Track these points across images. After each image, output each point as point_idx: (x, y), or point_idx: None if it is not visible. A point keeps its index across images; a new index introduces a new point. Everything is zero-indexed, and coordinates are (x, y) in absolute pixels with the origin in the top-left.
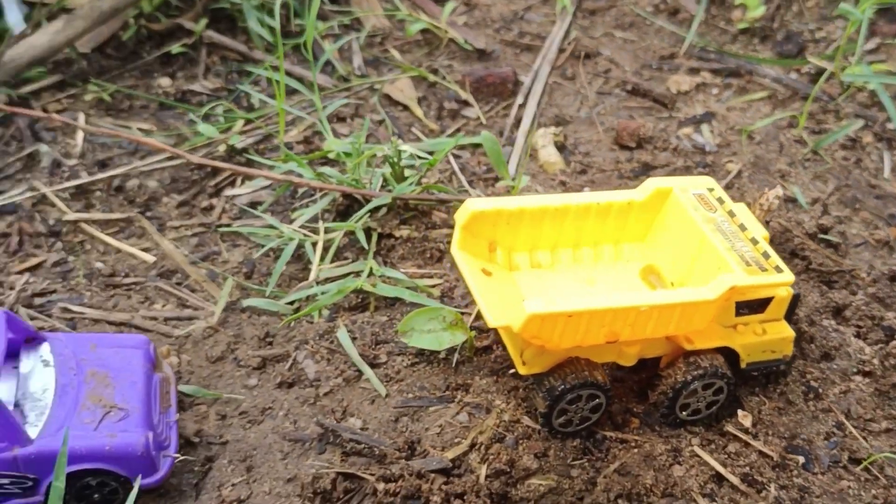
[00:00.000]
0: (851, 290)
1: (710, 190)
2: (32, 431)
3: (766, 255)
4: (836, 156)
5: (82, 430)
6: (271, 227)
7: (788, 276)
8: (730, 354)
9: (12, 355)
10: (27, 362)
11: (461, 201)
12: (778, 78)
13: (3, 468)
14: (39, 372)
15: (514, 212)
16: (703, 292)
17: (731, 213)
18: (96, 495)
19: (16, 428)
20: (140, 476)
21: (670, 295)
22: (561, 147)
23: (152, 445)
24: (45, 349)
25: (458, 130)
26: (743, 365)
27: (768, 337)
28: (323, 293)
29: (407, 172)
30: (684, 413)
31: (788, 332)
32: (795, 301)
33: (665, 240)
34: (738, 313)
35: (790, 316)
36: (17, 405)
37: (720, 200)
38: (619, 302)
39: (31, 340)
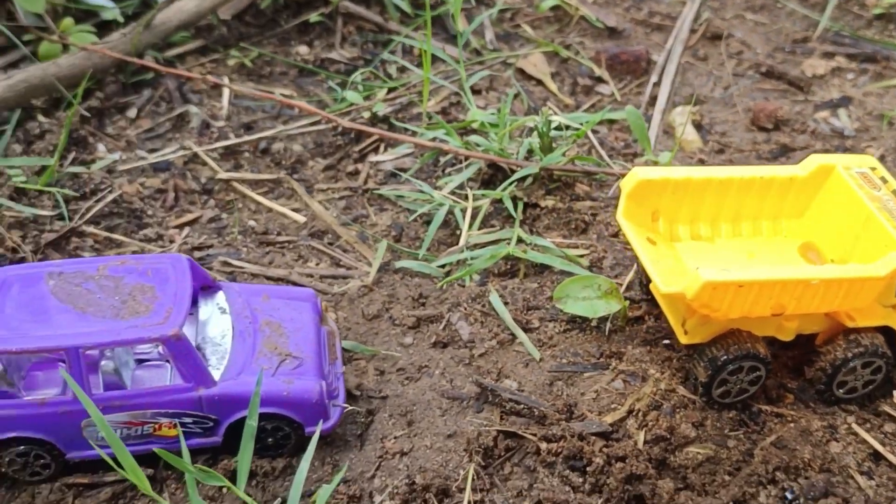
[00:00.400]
0: None
1: (873, 169)
2: (215, 374)
3: None
4: None
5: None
6: (420, 192)
7: None
8: (889, 335)
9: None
10: (205, 309)
11: (607, 173)
12: None
13: (187, 407)
14: (217, 318)
15: (680, 181)
16: (874, 268)
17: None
18: (270, 439)
19: (203, 370)
20: (317, 422)
21: (840, 270)
22: (698, 126)
23: (325, 394)
24: (220, 297)
25: (592, 106)
26: None
27: None
28: (473, 258)
29: (554, 146)
30: (841, 391)
31: None
32: None
33: (826, 217)
34: None
35: None
36: (198, 349)
37: (883, 180)
38: (791, 274)
39: (206, 289)
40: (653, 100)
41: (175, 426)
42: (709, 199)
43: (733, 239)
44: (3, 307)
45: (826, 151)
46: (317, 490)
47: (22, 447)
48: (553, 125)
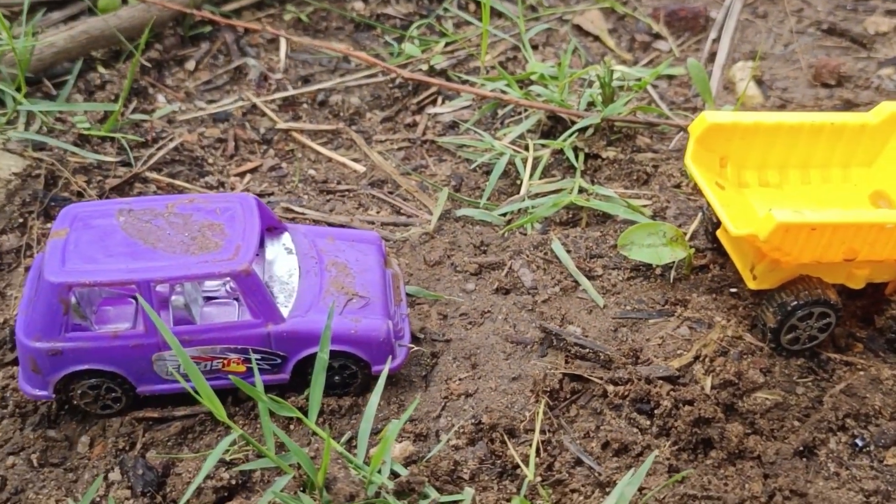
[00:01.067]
0: None
1: None
2: (283, 311)
3: None
4: None
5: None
6: (480, 142)
7: None
8: None
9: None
10: (271, 249)
11: (669, 124)
12: None
13: (257, 343)
14: (283, 258)
15: (750, 126)
16: None
17: None
18: (337, 377)
19: (272, 306)
20: (385, 360)
21: None
22: (759, 82)
23: (392, 333)
24: (286, 238)
25: (650, 62)
26: None
27: None
28: (534, 207)
29: (615, 98)
30: None
31: None
32: None
33: None
34: None
35: None
36: (266, 286)
37: None
38: (865, 217)
39: (273, 230)
40: (712, 56)
41: (243, 362)
42: (778, 145)
43: (802, 186)
44: (76, 242)
45: None
46: (384, 427)
47: (94, 380)
48: (616, 76)
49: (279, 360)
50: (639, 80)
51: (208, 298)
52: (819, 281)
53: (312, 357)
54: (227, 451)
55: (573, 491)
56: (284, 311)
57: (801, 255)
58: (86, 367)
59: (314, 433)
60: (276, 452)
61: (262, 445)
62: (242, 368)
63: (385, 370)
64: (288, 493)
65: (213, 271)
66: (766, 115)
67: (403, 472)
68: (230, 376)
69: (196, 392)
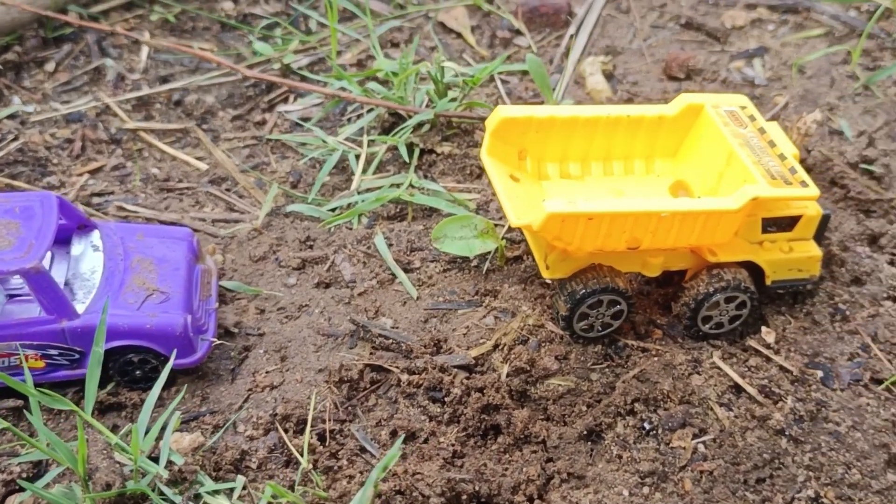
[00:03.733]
0: (889, 220)
1: (743, 108)
2: (80, 307)
3: (792, 171)
4: (889, 92)
5: (126, 309)
6: (318, 139)
7: (813, 190)
8: (756, 272)
9: (65, 240)
10: (78, 246)
11: None
12: (836, 15)
13: (52, 339)
14: (89, 256)
15: (545, 120)
16: (726, 202)
17: (762, 130)
18: (138, 372)
19: (64, 302)
20: (185, 354)
21: (692, 203)
22: (609, 76)
23: (190, 327)
24: (95, 235)
25: (508, 58)
26: (768, 282)
27: (795, 255)
28: (363, 201)
29: (451, 93)
30: (707, 326)
31: (816, 251)
32: (825, 221)
33: (695, 155)
34: (765, 230)
35: (820, 237)
36: (67, 284)
37: (752, 118)
38: (641, 206)
39: (84, 227)
40: (568, 51)
41: (41, 357)
42: (577, 138)
43: (604, 178)
44: None
45: None
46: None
47: None
48: (450, 73)
49: (77, 356)
50: (472, 76)
51: (12, 296)
52: (610, 269)
53: (114, 351)
54: (23, 445)
55: (347, 476)
56: (81, 308)
57: (583, 244)
58: None
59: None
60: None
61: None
62: (41, 364)
63: (169, 365)
64: (63, 485)
65: (2, 269)
66: (562, 108)
67: (181, 461)
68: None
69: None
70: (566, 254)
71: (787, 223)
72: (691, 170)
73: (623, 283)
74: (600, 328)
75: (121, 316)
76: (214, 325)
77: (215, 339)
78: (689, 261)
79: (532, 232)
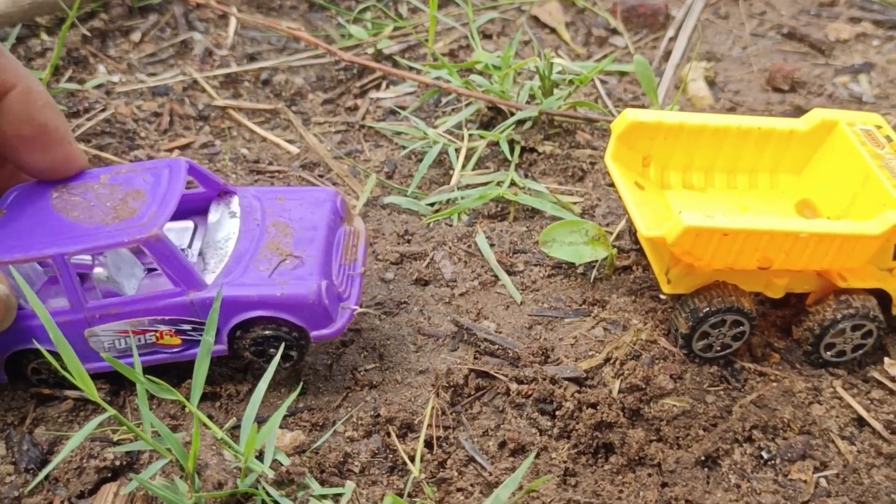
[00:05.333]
0: None
1: (879, 127)
2: (209, 277)
3: None
4: None
5: (257, 277)
6: (416, 129)
7: None
8: (882, 299)
9: (205, 209)
10: (215, 213)
11: (609, 121)
12: None
13: (182, 313)
14: (226, 223)
15: (674, 126)
16: (867, 226)
17: None
18: (272, 350)
19: (189, 272)
20: (323, 324)
21: (832, 225)
22: (711, 83)
23: (325, 294)
24: (234, 202)
25: (604, 57)
26: (895, 311)
27: None
28: (463, 198)
29: (556, 91)
30: (828, 353)
31: None
32: None
33: (825, 173)
34: (895, 257)
35: None
36: (201, 253)
37: (888, 138)
38: (779, 225)
39: (223, 194)
40: (667, 55)
41: (176, 333)
42: (703, 147)
43: (727, 191)
44: (8, 222)
45: None
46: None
47: (42, 358)
48: (557, 70)
49: None
50: (579, 74)
51: (151, 270)
52: (735, 288)
53: (246, 323)
54: (115, 431)
55: (459, 490)
56: (210, 278)
57: (713, 260)
58: (28, 346)
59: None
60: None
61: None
62: (177, 341)
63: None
64: (164, 478)
65: (122, 240)
66: (692, 115)
67: (287, 461)
68: (103, 355)
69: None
70: (691, 269)
71: None
72: (820, 188)
73: (748, 304)
74: (719, 349)
75: (249, 285)
76: (359, 291)
77: (358, 308)
78: (814, 283)
79: (660, 244)
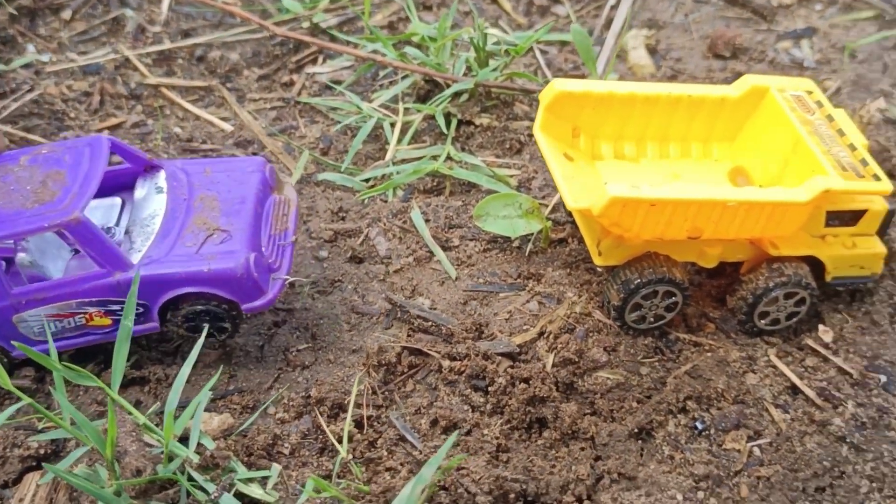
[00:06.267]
0: None
1: (809, 93)
2: (135, 257)
3: (864, 163)
4: None
5: (184, 253)
6: (351, 104)
7: (887, 185)
8: (816, 266)
9: (130, 184)
10: (141, 190)
11: None
12: None
13: (110, 294)
14: (152, 199)
15: (603, 96)
16: (796, 193)
17: (830, 118)
18: (205, 324)
19: (114, 253)
20: (254, 296)
21: (760, 193)
22: (652, 51)
23: (254, 267)
24: (160, 177)
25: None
26: (829, 278)
27: (858, 251)
28: (398, 173)
29: (492, 62)
30: (763, 322)
31: (880, 248)
32: (890, 217)
33: (757, 141)
34: (827, 224)
35: (883, 233)
36: (127, 231)
37: (819, 104)
38: (707, 194)
39: (150, 169)
40: (609, 22)
41: (105, 314)
42: (634, 117)
43: (660, 160)
44: None
45: None
46: (214, 400)
47: None
48: (493, 41)
49: (141, 309)
50: (514, 45)
51: (77, 251)
52: (667, 259)
53: (177, 300)
54: (41, 419)
55: (388, 469)
56: (137, 257)
57: (642, 231)
58: None
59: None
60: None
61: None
62: (107, 321)
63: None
64: (87, 466)
65: (43, 225)
66: (621, 84)
67: (212, 445)
68: (14, 342)
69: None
70: (621, 240)
71: (850, 217)
72: (752, 156)
73: (680, 274)
74: (653, 320)
75: (175, 262)
76: (290, 260)
77: (289, 277)
78: (747, 252)
79: (588, 216)
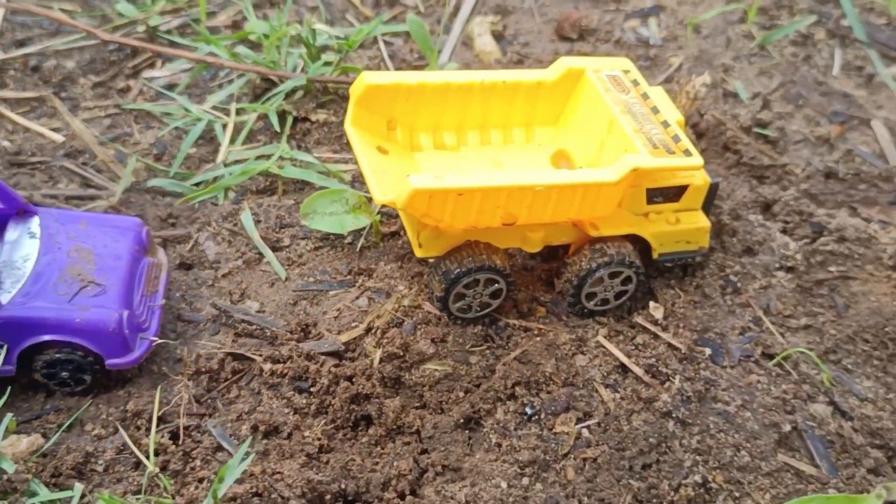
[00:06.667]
0: (783, 186)
1: (626, 72)
2: (4, 297)
3: (675, 139)
4: (786, 52)
5: (56, 301)
6: (183, 107)
7: (697, 159)
8: (645, 246)
9: (1, 226)
10: (13, 232)
11: None
12: None
13: None
14: (25, 243)
15: (414, 87)
16: (605, 173)
17: (645, 96)
18: (64, 373)
19: None
20: (120, 353)
21: (569, 175)
22: (499, 37)
23: (126, 324)
24: (34, 222)
25: (393, 18)
26: (655, 255)
27: (682, 227)
28: (230, 175)
29: (326, 56)
30: (591, 302)
31: (704, 222)
32: (714, 190)
33: (577, 123)
34: (651, 201)
35: (708, 206)
36: None
37: (635, 82)
38: (514, 180)
39: (23, 213)
40: (456, 11)
41: None
42: (451, 106)
43: (482, 148)
44: None
45: None
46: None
47: None
48: (323, 36)
49: (3, 351)
50: (345, 38)
51: None
52: (487, 247)
53: (40, 346)
54: None
55: (200, 480)
56: (5, 298)
57: (455, 220)
58: None
59: None
60: None
61: None
62: None
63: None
64: None
65: None
66: (433, 74)
67: (12, 469)
68: None
69: None
70: (439, 231)
71: (673, 193)
72: (573, 138)
73: (500, 261)
74: (479, 308)
75: (48, 308)
76: (158, 323)
77: (157, 339)
78: (571, 235)
79: (395, 208)
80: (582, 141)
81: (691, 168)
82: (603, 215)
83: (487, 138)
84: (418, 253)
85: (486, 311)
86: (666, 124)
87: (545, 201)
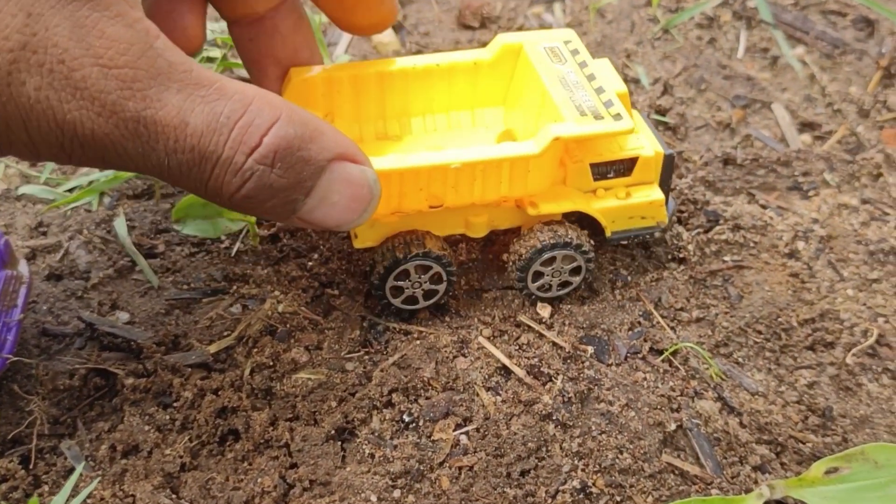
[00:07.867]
0: (679, 174)
1: (567, 42)
2: None
3: (608, 104)
4: (690, 35)
5: None
6: None
7: (626, 123)
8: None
9: None
10: None
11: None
12: None
13: None
14: None
15: (345, 78)
16: (526, 146)
17: (583, 65)
18: None
19: None
20: None
21: (487, 151)
22: (398, 27)
23: None
24: None
25: None
26: (608, 234)
27: (633, 201)
28: (105, 178)
29: (212, 52)
30: (535, 285)
31: (658, 195)
32: (670, 162)
33: (518, 100)
34: (603, 177)
35: (667, 180)
36: None
37: (574, 52)
38: (428, 160)
39: None
40: None
41: None
42: (388, 94)
43: (426, 135)
44: None
45: None
46: None
47: None
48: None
49: None
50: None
51: None
52: (425, 234)
53: None
54: None
55: None
56: None
57: (379, 206)
58: None
59: None
60: None
61: None
62: None
63: None
64: None
65: None
66: (364, 64)
67: None
68: None
69: None
70: (374, 220)
71: (624, 167)
72: (517, 117)
73: (437, 248)
74: (425, 298)
75: None
76: (14, 339)
77: (11, 357)
78: (517, 218)
79: None
80: (524, 118)
81: (620, 132)
82: (538, 192)
83: (433, 125)
84: (355, 244)
85: (435, 299)
86: (600, 90)
87: (470, 180)
